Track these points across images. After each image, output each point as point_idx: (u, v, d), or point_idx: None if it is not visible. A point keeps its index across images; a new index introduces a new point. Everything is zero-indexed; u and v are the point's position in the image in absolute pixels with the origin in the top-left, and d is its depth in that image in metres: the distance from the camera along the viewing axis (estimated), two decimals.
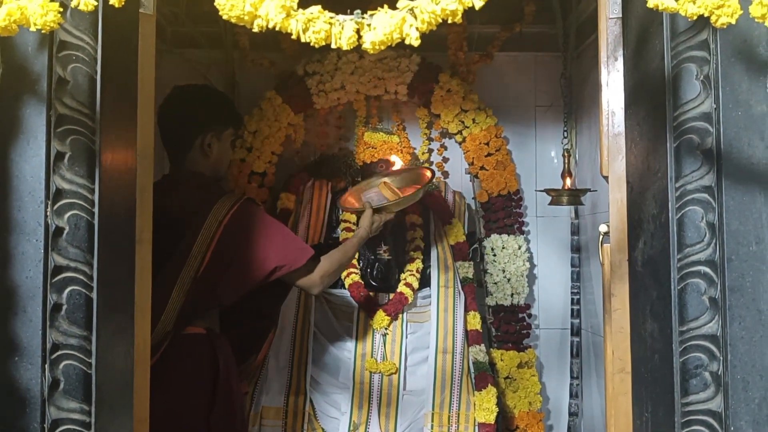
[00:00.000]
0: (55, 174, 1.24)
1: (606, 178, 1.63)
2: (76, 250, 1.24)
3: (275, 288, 2.08)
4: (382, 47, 0.82)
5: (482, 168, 3.10)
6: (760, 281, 1.27)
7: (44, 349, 1.22)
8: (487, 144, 3.08)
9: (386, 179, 2.51)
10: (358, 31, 0.83)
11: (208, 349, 1.96)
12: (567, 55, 3.17)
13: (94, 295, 1.25)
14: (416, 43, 0.82)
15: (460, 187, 3.21)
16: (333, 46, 0.84)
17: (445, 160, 3.27)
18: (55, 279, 1.23)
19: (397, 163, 2.79)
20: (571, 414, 3.12)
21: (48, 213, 1.23)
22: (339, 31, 0.82)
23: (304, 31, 0.82)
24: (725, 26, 0.92)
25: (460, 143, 3.14)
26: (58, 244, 1.24)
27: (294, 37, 0.85)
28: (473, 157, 3.09)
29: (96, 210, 1.27)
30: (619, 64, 1.58)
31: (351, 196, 2.53)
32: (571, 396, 3.12)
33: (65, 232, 1.24)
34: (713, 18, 0.92)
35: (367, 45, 0.82)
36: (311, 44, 0.83)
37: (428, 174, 2.54)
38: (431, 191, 3.06)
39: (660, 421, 1.36)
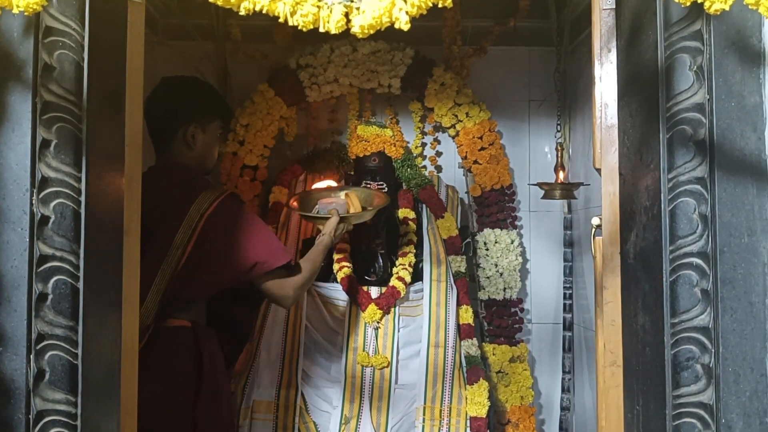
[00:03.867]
0: (40, 162, 1.22)
1: (599, 170, 1.62)
2: (62, 240, 1.23)
3: (251, 295, 2.08)
4: (371, 31, 0.81)
5: (475, 162, 3.09)
6: (752, 273, 1.26)
7: (29, 340, 1.20)
8: (481, 138, 3.07)
9: (348, 191, 2.51)
10: (346, 15, 0.81)
11: (192, 342, 1.94)
12: (561, 50, 3.16)
13: (80, 284, 1.24)
14: (406, 27, 0.81)
15: (453, 182, 3.20)
16: (321, 29, 0.83)
17: (439, 154, 3.26)
18: (41, 268, 1.22)
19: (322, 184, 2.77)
20: (562, 408, 3.12)
21: (33, 201, 1.22)
22: (327, 14, 0.80)
23: (292, 14, 0.81)
24: (719, 12, 0.91)
25: (453, 137, 3.13)
26: (44, 233, 1.22)
27: (282, 20, 0.83)
28: (467, 151, 3.08)
29: (83, 199, 1.25)
30: (613, 56, 1.57)
31: (295, 200, 2.52)
32: (563, 390, 3.12)
33: (51, 220, 1.22)
34: (707, 4, 0.91)
35: (355, 29, 0.81)
36: (299, 27, 0.81)
37: (381, 198, 2.57)
38: (424, 186, 3.05)
39: (651, 413, 1.35)
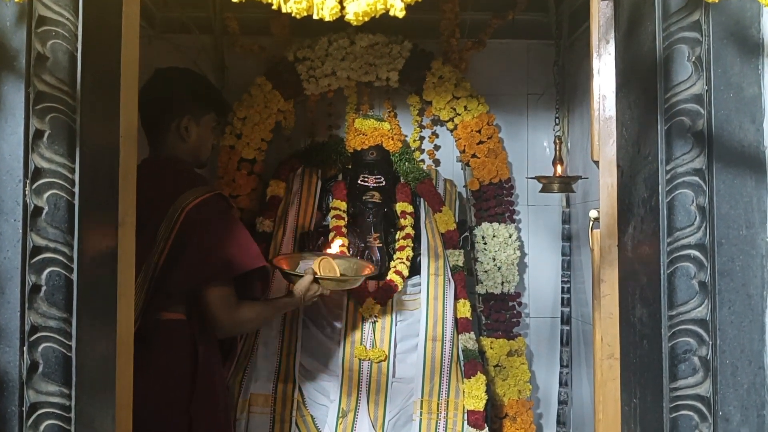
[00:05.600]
0: (33, 152, 1.21)
1: (597, 163, 1.61)
2: (56, 231, 1.22)
3: (255, 286, 2.06)
4: (366, 18, 0.80)
5: (474, 156, 3.07)
6: (750, 265, 1.26)
7: (22, 331, 1.20)
8: (479, 132, 3.06)
9: (328, 257, 2.39)
10: (341, 2, 0.80)
11: (187, 335, 1.93)
12: (560, 43, 3.15)
13: (74, 276, 1.23)
14: (401, 14, 0.79)
15: (452, 175, 3.19)
16: (315, 16, 0.82)
17: (437, 147, 3.25)
18: (34, 260, 1.21)
19: (335, 248, 2.64)
20: (560, 402, 3.11)
21: (26, 192, 1.21)
22: (321, 1, 0.79)
23: (285, 1, 0.80)
24: (717, 2, 0.90)
25: (451, 131, 3.12)
26: (37, 224, 1.21)
27: (275, 7, 0.82)
28: (465, 145, 3.07)
29: (76, 190, 1.24)
30: (611, 47, 1.56)
31: (284, 260, 2.42)
32: (560, 384, 3.12)
33: (44, 211, 1.21)
34: None
35: (349, 16, 0.80)
36: (293, 14, 0.80)
37: (371, 268, 2.46)
38: (422, 179, 3.04)
39: (648, 406, 1.35)
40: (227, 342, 2.12)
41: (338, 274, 2.31)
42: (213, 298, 1.92)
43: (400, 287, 2.78)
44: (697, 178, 1.28)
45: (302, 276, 2.16)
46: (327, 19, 0.80)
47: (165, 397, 1.88)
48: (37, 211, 1.21)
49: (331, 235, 2.85)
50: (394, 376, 2.67)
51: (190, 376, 1.91)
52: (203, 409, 1.92)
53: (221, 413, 2.01)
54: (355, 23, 0.81)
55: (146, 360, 1.80)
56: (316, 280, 2.17)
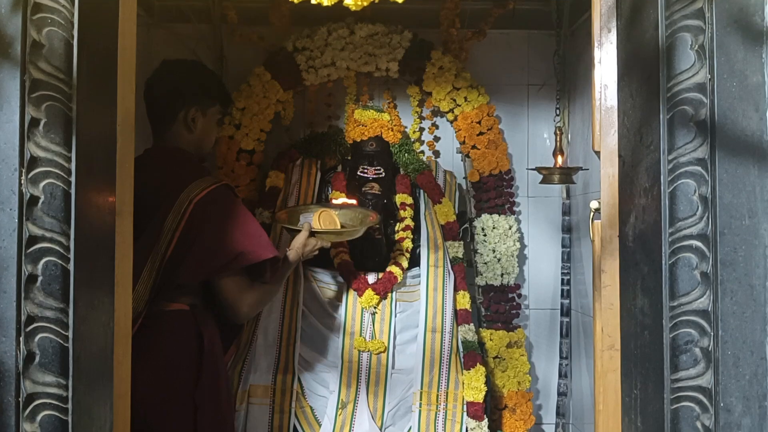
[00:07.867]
0: (29, 141, 1.20)
1: (598, 153, 1.60)
2: (52, 220, 1.21)
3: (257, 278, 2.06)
4: (365, 3, 0.78)
5: (474, 147, 3.06)
6: (753, 255, 1.25)
7: (19, 321, 1.19)
8: (479, 123, 3.04)
9: (328, 209, 2.40)
10: None
11: (191, 325, 1.93)
12: (560, 33, 3.12)
13: (70, 266, 1.22)
14: None
15: (451, 167, 3.18)
16: (313, 1, 0.80)
17: (437, 139, 3.23)
18: (30, 249, 1.20)
19: (341, 199, 2.69)
20: (560, 394, 3.11)
21: (22, 181, 1.20)
22: None
23: None
24: None
25: (451, 122, 3.10)
26: (33, 214, 1.20)
27: None
28: (465, 136, 3.06)
29: (73, 179, 1.23)
30: (613, 36, 1.55)
31: (284, 214, 2.46)
32: (560, 376, 3.11)
33: (40, 201, 1.20)
34: None
35: (348, 0, 0.79)
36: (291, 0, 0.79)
37: (374, 217, 2.47)
38: (422, 171, 3.02)
39: (649, 397, 1.34)
40: (228, 331, 2.12)
41: (338, 226, 2.31)
42: (227, 287, 1.94)
43: (399, 279, 2.78)
44: (699, 168, 1.27)
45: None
46: (325, 4, 0.78)
47: (170, 385, 1.89)
48: (33, 200, 1.20)
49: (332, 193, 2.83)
50: (393, 367, 2.66)
51: (195, 365, 1.92)
52: (208, 396, 1.93)
53: (224, 401, 2.02)
54: (353, 8, 0.79)
55: (151, 349, 1.81)
56: (312, 234, 2.19)
